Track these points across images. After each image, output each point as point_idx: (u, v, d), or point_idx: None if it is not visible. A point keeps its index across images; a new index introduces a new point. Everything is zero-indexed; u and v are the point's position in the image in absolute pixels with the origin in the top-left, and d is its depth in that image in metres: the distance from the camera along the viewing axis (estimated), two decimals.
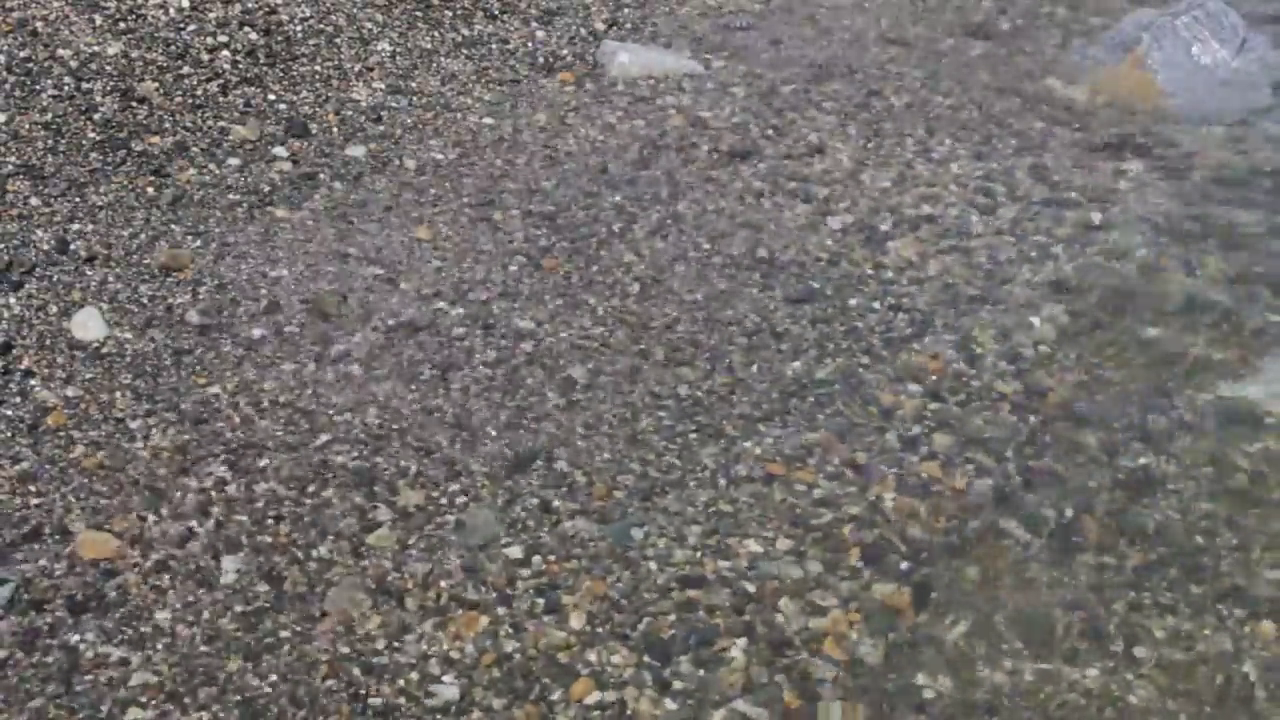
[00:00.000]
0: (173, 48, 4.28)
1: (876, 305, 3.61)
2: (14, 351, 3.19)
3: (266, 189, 3.84)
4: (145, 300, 3.40)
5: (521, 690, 2.50)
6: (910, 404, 3.27)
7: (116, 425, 3.02)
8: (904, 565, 2.83)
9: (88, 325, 3.28)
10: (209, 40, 4.36)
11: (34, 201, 3.62)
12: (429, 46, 4.60)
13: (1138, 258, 3.85)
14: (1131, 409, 3.27)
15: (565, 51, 4.72)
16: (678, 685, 2.54)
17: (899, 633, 2.69)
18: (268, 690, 2.48)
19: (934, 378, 3.36)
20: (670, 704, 2.50)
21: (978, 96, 4.62)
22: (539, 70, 4.61)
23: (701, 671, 2.57)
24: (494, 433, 3.11)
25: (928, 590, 2.78)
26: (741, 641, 2.63)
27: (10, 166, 3.71)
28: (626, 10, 5.01)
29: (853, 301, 3.61)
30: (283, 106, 4.18)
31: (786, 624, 2.68)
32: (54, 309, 3.32)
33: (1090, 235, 3.95)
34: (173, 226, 3.65)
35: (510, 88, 4.48)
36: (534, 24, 4.84)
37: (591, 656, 2.57)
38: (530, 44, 4.73)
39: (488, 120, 4.31)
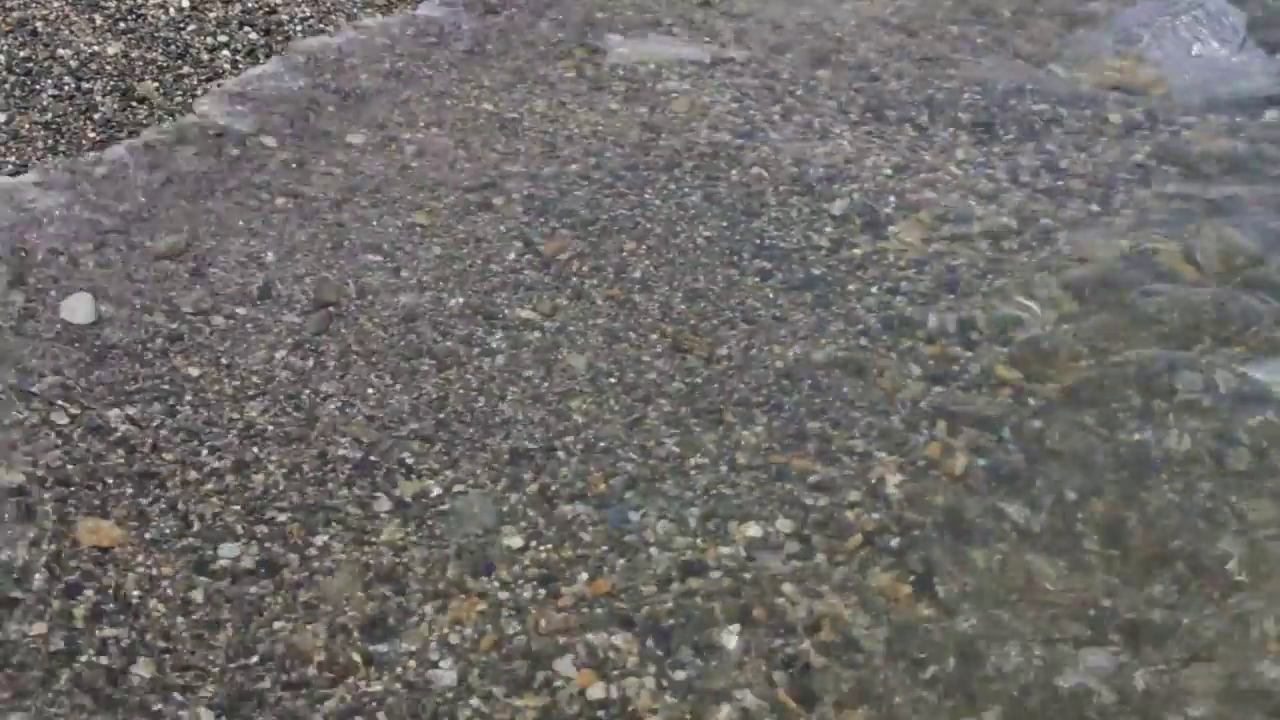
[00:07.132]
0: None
1: (875, 289, 3.59)
2: None
3: (264, 175, 3.83)
4: (139, 285, 3.38)
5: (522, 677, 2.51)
6: (912, 387, 3.26)
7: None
8: (904, 550, 2.83)
9: (77, 309, 3.27)
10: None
11: None
12: None
13: (1140, 242, 3.83)
14: (1133, 393, 3.26)
15: (565, 37, 4.70)
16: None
17: (900, 618, 2.68)
18: (263, 679, 2.47)
19: (933, 361, 3.35)
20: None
21: (979, 81, 4.61)
22: (539, 56, 4.59)
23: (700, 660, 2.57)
24: (494, 421, 3.10)
25: (929, 575, 2.77)
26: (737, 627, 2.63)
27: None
28: None
29: (853, 286, 3.60)
30: None
31: (786, 609, 2.67)
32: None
33: (1092, 220, 3.93)
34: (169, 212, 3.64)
35: (510, 74, 4.47)
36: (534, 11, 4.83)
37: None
38: (530, 30, 4.72)
39: (486, 106, 4.29)
